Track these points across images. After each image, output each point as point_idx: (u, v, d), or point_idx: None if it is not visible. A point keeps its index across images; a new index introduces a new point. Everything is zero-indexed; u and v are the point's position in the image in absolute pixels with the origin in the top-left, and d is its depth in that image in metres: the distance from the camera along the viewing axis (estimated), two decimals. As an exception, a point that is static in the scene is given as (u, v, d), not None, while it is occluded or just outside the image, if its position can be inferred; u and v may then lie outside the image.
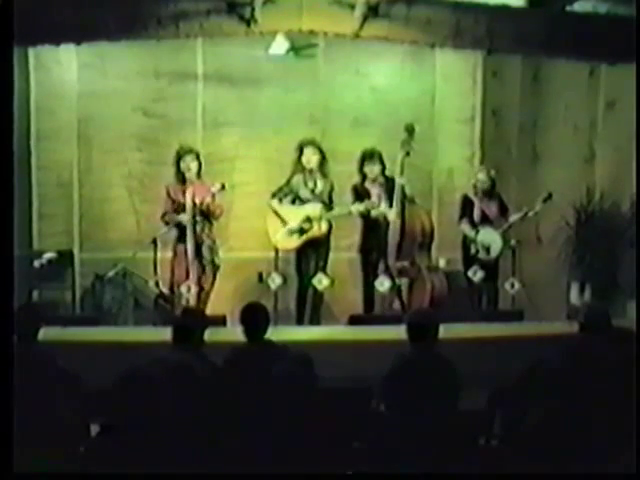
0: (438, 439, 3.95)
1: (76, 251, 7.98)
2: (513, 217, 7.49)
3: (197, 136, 8.08)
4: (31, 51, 7.75)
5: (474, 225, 7.54)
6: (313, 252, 7.27)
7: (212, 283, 7.10)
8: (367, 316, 6.98)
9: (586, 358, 4.27)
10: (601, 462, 3.57)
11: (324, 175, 7.27)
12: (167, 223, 7.05)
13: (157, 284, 6.98)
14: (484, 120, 8.66)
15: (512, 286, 7.17)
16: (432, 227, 7.39)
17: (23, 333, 4.28)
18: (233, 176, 8.01)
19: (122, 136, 8.07)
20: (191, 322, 4.61)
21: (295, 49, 8.02)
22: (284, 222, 7.22)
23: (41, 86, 7.96)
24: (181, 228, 7.01)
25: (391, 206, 7.12)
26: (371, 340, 5.86)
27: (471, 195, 7.64)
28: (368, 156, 7.27)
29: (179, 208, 7.00)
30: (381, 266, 7.10)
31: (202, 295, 7.01)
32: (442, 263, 7.88)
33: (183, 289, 6.90)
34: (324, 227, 7.21)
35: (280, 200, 7.27)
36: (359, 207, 7.12)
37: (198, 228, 7.00)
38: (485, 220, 7.55)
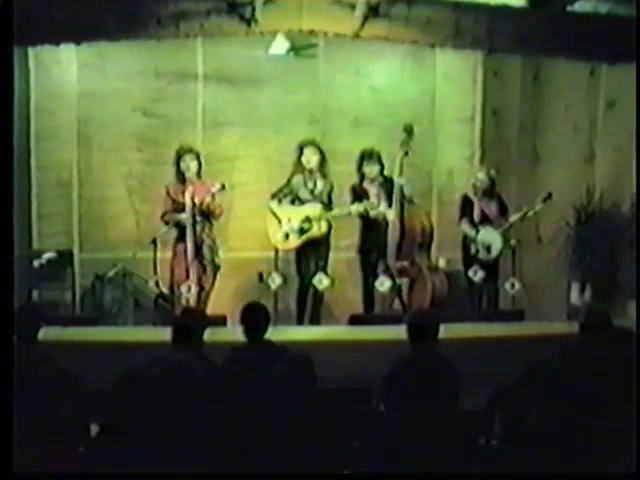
0: (438, 439, 3.95)
1: (76, 251, 7.97)
2: (513, 217, 7.48)
3: (197, 136, 8.07)
4: (31, 51, 7.75)
5: (474, 225, 7.54)
6: (313, 252, 7.26)
7: (212, 283, 7.10)
8: (367, 316, 6.98)
9: (586, 358, 4.27)
10: (601, 462, 3.56)
11: (324, 175, 7.27)
12: (167, 223, 7.06)
13: (157, 284, 6.98)
14: (484, 120, 8.65)
15: (512, 286, 7.17)
16: (431, 227, 7.41)
17: (23, 333, 4.29)
18: (233, 176, 8.00)
19: (122, 136, 8.07)
20: (191, 322, 4.62)
21: (295, 49, 8.02)
22: (284, 223, 7.22)
23: (41, 86, 7.95)
24: (181, 228, 7.01)
25: (390, 206, 7.13)
26: (371, 340, 5.86)
27: (471, 195, 7.64)
28: (367, 156, 7.28)
29: (179, 208, 7.00)
30: (381, 266, 7.10)
31: (202, 295, 7.00)
32: (442, 263, 7.87)
33: (183, 289, 6.90)
34: (324, 227, 7.21)
35: (280, 201, 7.26)
36: (358, 207, 7.11)
37: (198, 228, 6.99)
38: (485, 220, 7.54)
